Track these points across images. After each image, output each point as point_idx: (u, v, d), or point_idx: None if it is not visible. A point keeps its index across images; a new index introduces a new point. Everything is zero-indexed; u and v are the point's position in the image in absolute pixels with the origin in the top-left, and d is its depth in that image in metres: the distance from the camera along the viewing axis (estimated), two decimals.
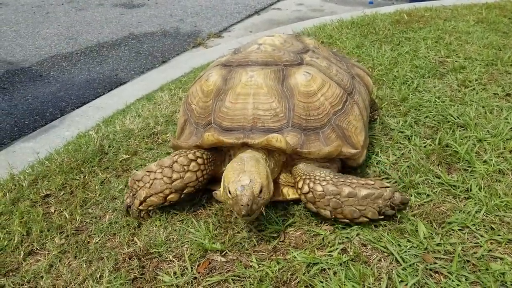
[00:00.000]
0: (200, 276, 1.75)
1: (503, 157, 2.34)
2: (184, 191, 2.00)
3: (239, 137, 1.97)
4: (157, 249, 1.89)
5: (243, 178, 1.71)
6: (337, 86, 2.15)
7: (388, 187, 1.89)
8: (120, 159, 2.59)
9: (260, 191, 1.71)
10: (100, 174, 2.47)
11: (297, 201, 2.08)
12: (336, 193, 1.84)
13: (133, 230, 2.02)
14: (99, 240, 1.99)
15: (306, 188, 1.89)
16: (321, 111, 2.04)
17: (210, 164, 2.07)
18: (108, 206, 2.21)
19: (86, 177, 2.45)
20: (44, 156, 2.76)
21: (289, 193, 2.07)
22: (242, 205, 1.64)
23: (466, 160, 2.32)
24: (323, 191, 1.85)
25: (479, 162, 2.30)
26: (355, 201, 1.83)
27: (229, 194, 1.71)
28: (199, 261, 1.83)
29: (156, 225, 2.03)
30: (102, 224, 2.08)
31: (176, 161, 1.99)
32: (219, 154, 2.15)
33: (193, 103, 2.20)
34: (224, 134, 2.00)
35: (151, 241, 1.94)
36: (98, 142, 2.77)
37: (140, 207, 2.03)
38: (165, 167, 1.98)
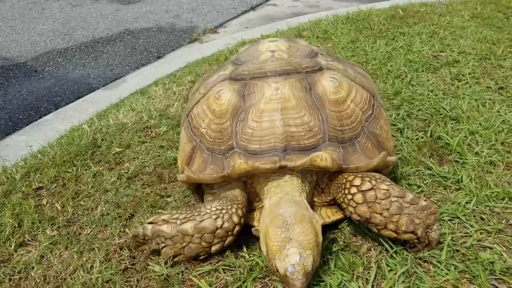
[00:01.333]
0: (191, 266, 1.75)
1: (495, 149, 2.35)
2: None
3: (274, 160, 1.71)
4: None
5: (291, 251, 1.47)
6: (362, 89, 1.94)
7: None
8: (113, 152, 2.59)
9: (312, 265, 1.48)
10: (93, 167, 2.47)
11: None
12: (401, 196, 1.64)
13: (124, 222, 2.02)
14: (91, 232, 1.99)
15: (367, 185, 1.66)
16: (354, 119, 1.83)
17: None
18: (100, 198, 2.20)
19: (79, 170, 2.45)
20: (37, 149, 2.76)
21: (329, 215, 1.86)
22: None
23: (457, 152, 2.33)
24: (388, 190, 1.64)
25: (471, 154, 2.31)
26: (415, 211, 1.64)
27: (276, 272, 1.50)
28: None
29: (148, 217, 2.03)
30: (94, 216, 2.08)
31: (221, 227, 1.71)
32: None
33: (202, 127, 1.90)
34: (255, 159, 1.72)
35: None
36: (91, 135, 2.77)
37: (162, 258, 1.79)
38: (207, 233, 1.71)
